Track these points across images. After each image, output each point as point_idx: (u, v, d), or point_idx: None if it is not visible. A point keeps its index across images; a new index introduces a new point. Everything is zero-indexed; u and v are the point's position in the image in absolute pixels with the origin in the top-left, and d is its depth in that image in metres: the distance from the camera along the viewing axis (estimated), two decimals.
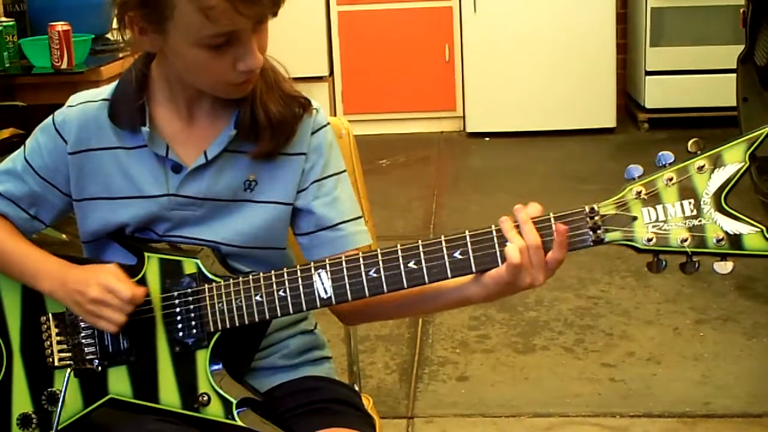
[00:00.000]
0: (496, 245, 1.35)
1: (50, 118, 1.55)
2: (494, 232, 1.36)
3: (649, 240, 1.32)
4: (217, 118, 1.51)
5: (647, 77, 5.71)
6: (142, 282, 1.48)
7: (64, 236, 2.92)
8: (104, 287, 1.43)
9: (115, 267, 1.47)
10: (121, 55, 3.64)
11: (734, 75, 3.95)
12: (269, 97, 1.49)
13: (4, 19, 3.53)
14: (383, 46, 5.97)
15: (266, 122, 1.48)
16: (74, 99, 1.56)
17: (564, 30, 5.70)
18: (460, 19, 5.82)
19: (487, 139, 5.88)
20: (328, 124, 1.56)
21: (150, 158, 1.50)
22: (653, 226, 1.32)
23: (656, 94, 5.73)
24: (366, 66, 6.03)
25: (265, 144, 1.49)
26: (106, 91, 1.55)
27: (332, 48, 6.06)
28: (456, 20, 5.89)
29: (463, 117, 6.00)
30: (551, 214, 1.35)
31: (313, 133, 1.53)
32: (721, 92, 5.47)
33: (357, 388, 1.86)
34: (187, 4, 1.32)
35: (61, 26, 3.27)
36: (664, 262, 1.34)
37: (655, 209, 1.32)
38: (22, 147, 1.58)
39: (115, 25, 1.45)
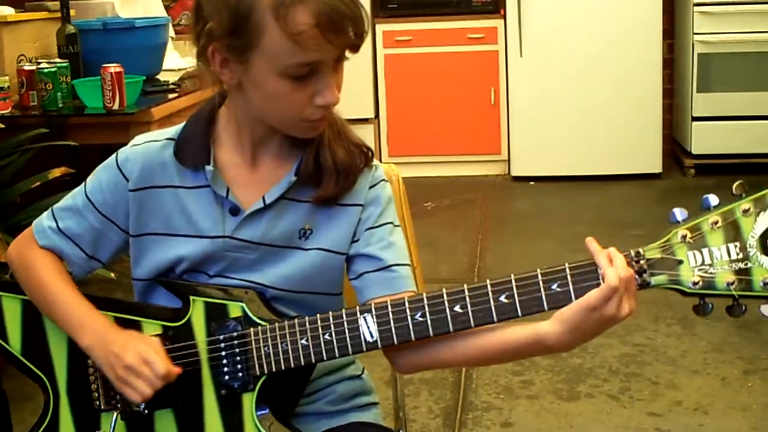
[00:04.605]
0: (542, 290, 1.36)
1: (113, 156, 1.58)
2: (539, 277, 1.36)
3: (696, 283, 1.32)
4: (280, 163, 1.53)
5: (694, 123, 5.68)
6: (188, 325, 1.50)
7: (112, 275, 2.96)
8: (141, 357, 1.44)
9: (157, 341, 1.49)
10: (170, 96, 3.69)
11: None
12: (337, 144, 1.51)
13: (58, 60, 3.60)
14: (429, 89, 6.00)
15: (332, 167, 1.50)
16: (138, 139, 1.59)
17: (610, 75, 5.69)
18: (506, 63, 5.84)
19: (532, 183, 5.87)
20: (386, 180, 1.58)
21: (209, 199, 1.52)
22: (699, 270, 1.32)
23: (703, 139, 5.69)
24: (411, 109, 6.06)
25: (328, 189, 1.50)
26: (170, 131, 1.57)
27: (378, 90, 6.10)
28: (502, 64, 5.91)
29: (508, 161, 6.00)
30: None
31: (371, 187, 1.54)
32: None
33: None
34: (277, 30, 1.35)
35: (113, 68, 3.33)
36: (710, 306, 1.34)
37: (701, 252, 1.32)
38: (83, 184, 1.60)
39: (197, 61, 1.47)
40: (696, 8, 5.52)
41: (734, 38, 5.51)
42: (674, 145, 6.18)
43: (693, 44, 5.59)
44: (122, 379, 1.45)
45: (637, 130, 5.74)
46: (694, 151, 5.72)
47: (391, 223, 1.55)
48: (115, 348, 1.47)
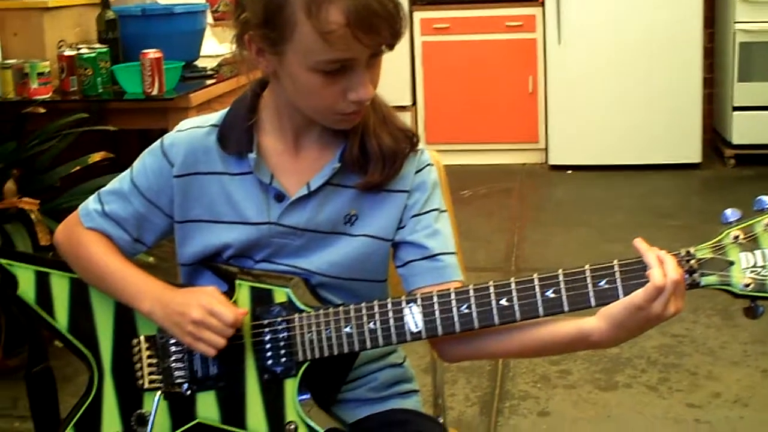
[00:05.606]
0: (590, 286, 1.34)
1: (159, 141, 1.58)
2: (587, 272, 1.34)
3: (747, 285, 1.30)
4: (323, 149, 1.52)
5: (734, 113, 5.61)
6: None
7: (151, 259, 2.97)
8: (206, 309, 1.44)
9: (216, 290, 1.48)
10: (209, 82, 3.70)
11: None
12: (382, 130, 1.50)
13: (98, 45, 3.62)
14: (466, 76, 5.98)
15: (378, 154, 1.49)
16: (184, 124, 1.59)
17: (650, 63, 5.64)
18: (545, 51, 5.80)
19: (570, 172, 5.83)
20: (432, 164, 1.56)
21: (254, 185, 1.51)
22: (751, 272, 1.30)
23: (743, 129, 5.63)
24: (449, 96, 6.04)
25: (374, 175, 1.49)
26: (214, 117, 1.57)
27: (415, 78, 6.09)
28: (540, 52, 5.87)
29: (546, 149, 5.96)
30: None
31: (417, 172, 1.53)
32: None
33: (442, 421, 1.85)
34: (308, 27, 1.34)
35: (153, 53, 3.34)
36: (761, 308, 1.31)
37: (753, 254, 1.30)
38: (129, 169, 1.60)
39: (232, 47, 1.46)
40: None
41: None
42: (714, 135, 6.12)
43: (734, 33, 5.52)
44: (192, 334, 1.45)
45: (677, 119, 5.68)
46: (734, 141, 5.66)
47: (437, 209, 1.54)
48: (178, 307, 1.47)
